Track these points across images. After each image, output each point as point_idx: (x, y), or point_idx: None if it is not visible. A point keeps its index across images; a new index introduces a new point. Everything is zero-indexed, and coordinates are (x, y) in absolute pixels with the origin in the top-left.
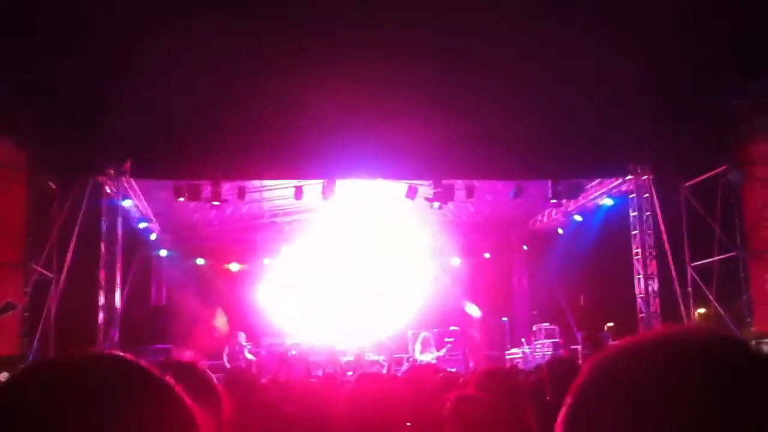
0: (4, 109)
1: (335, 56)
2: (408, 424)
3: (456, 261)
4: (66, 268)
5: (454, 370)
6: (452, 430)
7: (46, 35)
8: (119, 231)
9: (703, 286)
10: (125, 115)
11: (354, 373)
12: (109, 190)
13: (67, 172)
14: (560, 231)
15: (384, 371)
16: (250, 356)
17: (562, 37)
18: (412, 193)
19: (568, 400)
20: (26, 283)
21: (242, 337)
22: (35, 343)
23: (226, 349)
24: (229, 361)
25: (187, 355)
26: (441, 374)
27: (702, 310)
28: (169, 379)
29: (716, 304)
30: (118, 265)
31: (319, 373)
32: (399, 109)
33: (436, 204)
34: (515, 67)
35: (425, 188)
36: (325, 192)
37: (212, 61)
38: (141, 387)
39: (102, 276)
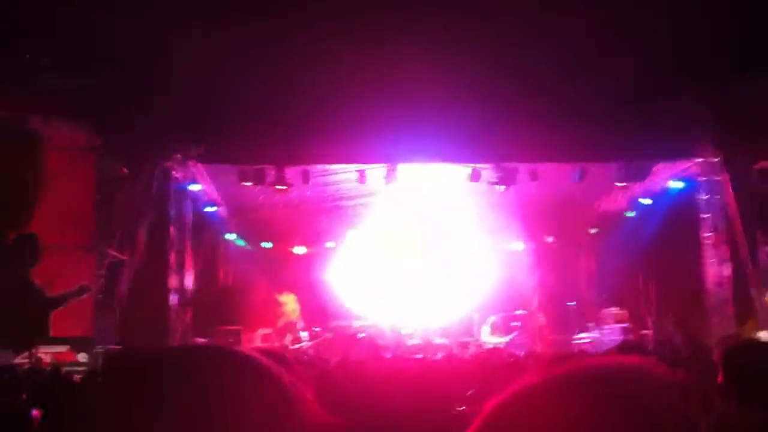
0: (73, 94)
1: (399, 40)
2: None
3: (520, 245)
4: (138, 251)
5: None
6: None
7: (116, 19)
8: (188, 214)
9: None
10: (192, 100)
11: (422, 355)
12: (176, 175)
13: (136, 157)
14: (632, 214)
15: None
16: (306, 336)
17: (626, 15)
18: (475, 176)
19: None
20: (99, 265)
21: (300, 323)
22: (110, 325)
23: (288, 337)
24: (292, 345)
25: (259, 334)
26: (510, 359)
27: None
28: (273, 365)
29: None
30: (188, 248)
31: (388, 355)
32: (461, 92)
33: (501, 187)
34: (580, 47)
35: (488, 171)
36: (388, 176)
37: (276, 46)
38: (254, 381)
39: (172, 259)
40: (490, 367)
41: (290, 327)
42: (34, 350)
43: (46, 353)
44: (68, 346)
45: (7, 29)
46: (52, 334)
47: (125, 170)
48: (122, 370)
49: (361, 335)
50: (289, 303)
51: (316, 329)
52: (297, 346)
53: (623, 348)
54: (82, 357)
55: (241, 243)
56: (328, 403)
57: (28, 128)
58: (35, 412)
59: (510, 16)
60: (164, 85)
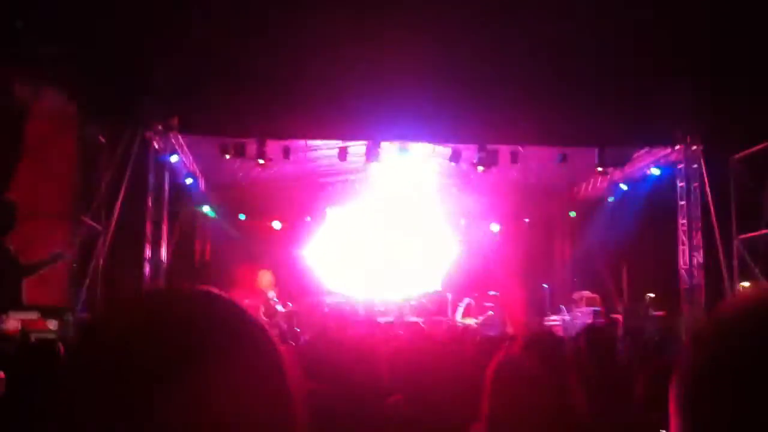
0: (54, 61)
1: (382, 17)
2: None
3: (496, 226)
4: (114, 221)
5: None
6: (494, 391)
7: None
8: (166, 186)
9: (749, 259)
10: (174, 71)
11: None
12: (156, 146)
13: (116, 126)
14: (611, 199)
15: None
16: (281, 308)
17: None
18: (456, 157)
19: (688, 355)
20: (75, 234)
21: (272, 294)
22: (83, 294)
23: (262, 308)
24: (266, 317)
25: None
26: (480, 338)
27: (747, 284)
28: (262, 320)
29: (762, 279)
30: (165, 220)
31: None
32: (444, 72)
33: (481, 168)
34: (561, 30)
35: (469, 152)
36: (369, 154)
37: (260, 19)
38: (237, 322)
39: (149, 230)
40: (460, 345)
41: (265, 300)
42: (4, 316)
43: (15, 319)
44: (38, 313)
45: None
46: (25, 301)
47: (102, 139)
48: (99, 333)
49: (331, 309)
50: (265, 277)
51: (290, 304)
52: (270, 318)
53: (588, 331)
54: (52, 324)
55: (219, 216)
56: (307, 373)
57: (13, 96)
58: (1, 374)
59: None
60: (147, 55)
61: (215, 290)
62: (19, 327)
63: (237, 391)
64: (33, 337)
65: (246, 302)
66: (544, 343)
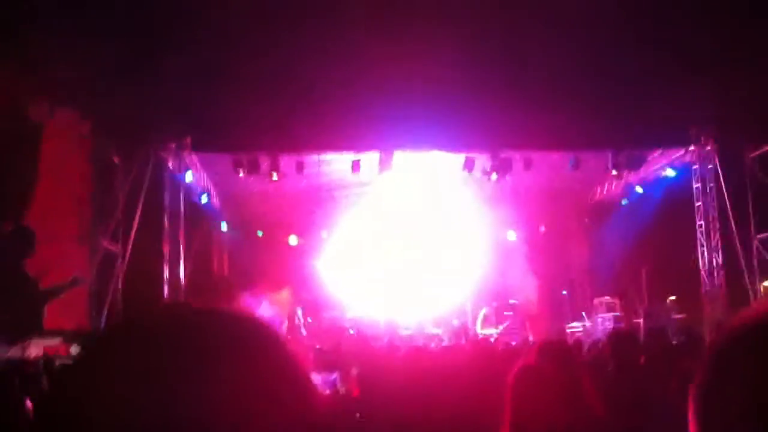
0: (68, 81)
1: (392, 28)
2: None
3: (512, 234)
4: (131, 242)
5: (513, 344)
6: (514, 399)
7: (110, 8)
8: (182, 204)
9: None
10: (185, 90)
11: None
12: (170, 164)
13: (129, 145)
14: (624, 202)
15: (444, 343)
16: (303, 331)
17: (622, 3)
18: (469, 165)
19: (704, 365)
20: (93, 256)
21: (300, 312)
22: (103, 317)
23: (286, 323)
24: (288, 334)
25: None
26: (502, 348)
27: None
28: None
29: None
30: (181, 239)
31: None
32: (456, 80)
33: (494, 176)
34: (572, 35)
35: (482, 160)
36: (382, 164)
37: (270, 34)
38: (248, 338)
39: (166, 249)
40: (480, 355)
41: (290, 315)
42: (26, 343)
43: (38, 345)
44: (61, 339)
45: (11, 17)
46: (46, 326)
47: (115, 160)
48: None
49: (351, 332)
50: (286, 295)
51: (310, 320)
52: (292, 334)
53: (614, 336)
54: (74, 349)
55: (235, 233)
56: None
57: (28, 117)
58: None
59: (505, 5)
60: (159, 73)
61: (226, 307)
62: (42, 353)
63: (252, 406)
64: (57, 362)
65: (268, 316)
66: (556, 349)
